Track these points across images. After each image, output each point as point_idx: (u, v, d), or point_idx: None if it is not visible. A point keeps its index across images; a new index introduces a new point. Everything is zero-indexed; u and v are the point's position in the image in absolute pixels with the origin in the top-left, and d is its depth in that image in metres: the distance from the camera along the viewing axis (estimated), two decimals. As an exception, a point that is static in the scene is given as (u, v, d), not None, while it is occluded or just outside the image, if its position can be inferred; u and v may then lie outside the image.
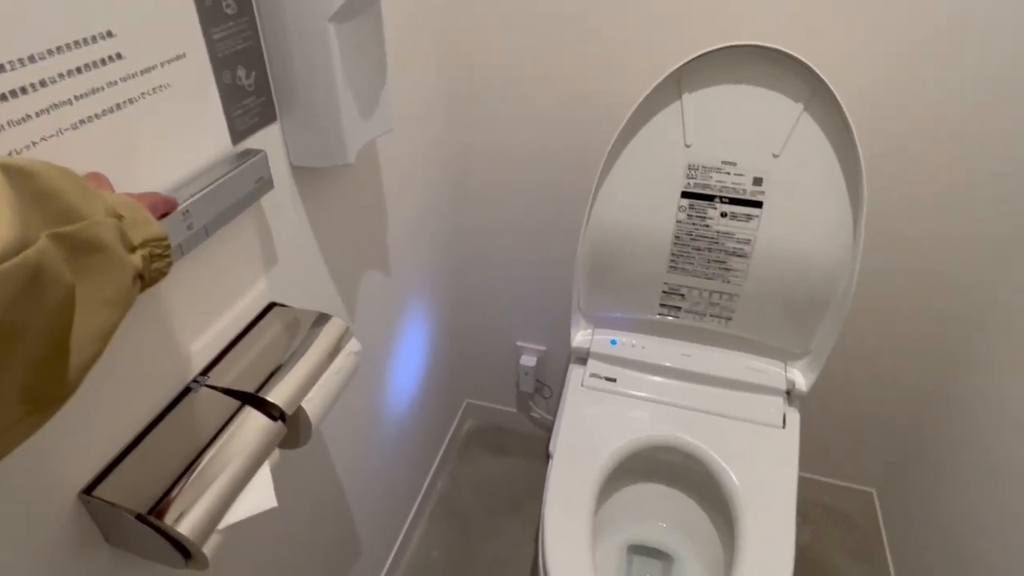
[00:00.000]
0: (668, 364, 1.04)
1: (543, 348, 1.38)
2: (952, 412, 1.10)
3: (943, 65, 0.84)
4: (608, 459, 0.94)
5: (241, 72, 0.55)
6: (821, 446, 1.31)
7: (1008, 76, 0.83)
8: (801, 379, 1.01)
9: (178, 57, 0.47)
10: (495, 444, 1.55)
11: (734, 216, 0.91)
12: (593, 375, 1.05)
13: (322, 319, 0.63)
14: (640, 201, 0.94)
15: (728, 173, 0.89)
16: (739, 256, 0.94)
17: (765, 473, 0.92)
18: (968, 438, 1.04)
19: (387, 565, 1.20)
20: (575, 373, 1.07)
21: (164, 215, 0.44)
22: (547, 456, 0.99)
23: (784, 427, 0.98)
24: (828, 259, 0.90)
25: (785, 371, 1.02)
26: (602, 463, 0.93)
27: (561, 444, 0.96)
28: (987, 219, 0.95)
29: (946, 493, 1.07)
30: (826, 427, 1.27)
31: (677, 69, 0.83)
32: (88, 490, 0.46)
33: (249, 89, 0.56)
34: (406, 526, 1.27)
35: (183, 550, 0.48)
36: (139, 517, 0.45)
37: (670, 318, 1.04)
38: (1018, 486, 0.88)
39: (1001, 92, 0.85)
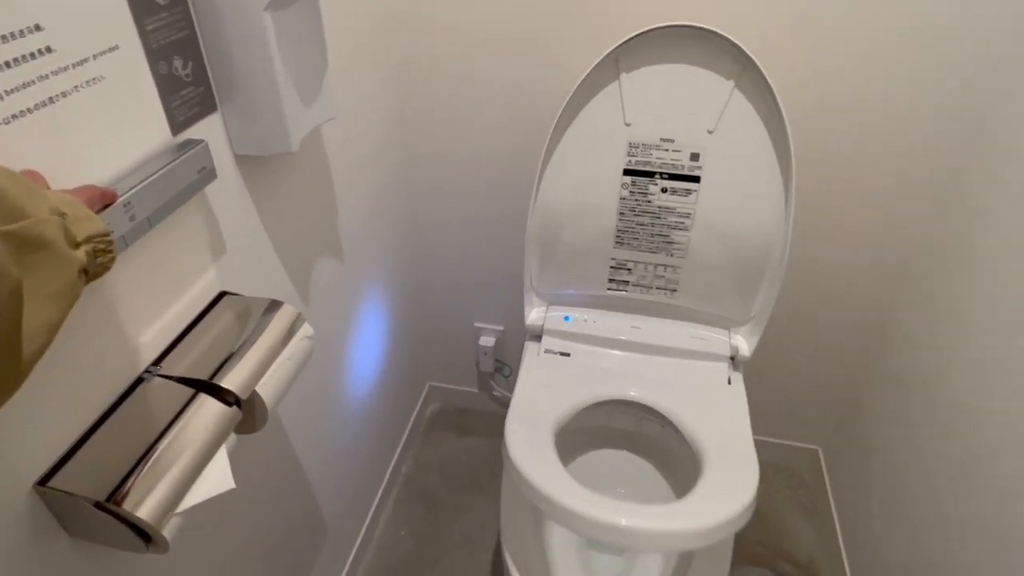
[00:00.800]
0: (619, 337, 1.08)
1: (501, 328, 1.41)
2: (882, 374, 1.17)
3: (862, 41, 0.89)
4: (561, 417, 0.96)
5: (177, 62, 0.55)
6: (769, 409, 1.37)
7: (923, 48, 0.89)
8: (744, 344, 1.06)
9: (111, 49, 0.47)
10: (458, 424, 1.58)
11: (674, 191, 0.95)
12: (548, 351, 1.09)
13: (274, 306, 0.64)
14: (584, 180, 0.97)
15: (667, 150, 0.92)
16: (680, 230, 0.98)
17: (719, 419, 0.98)
18: (899, 397, 1.11)
19: (355, 546, 1.22)
20: (531, 350, 1.10)
21: (103, 208, 0.44)
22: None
23: (730, 384, 1.03)
24: (763, 229, 0.95)
25: (729, 337, 1.07)
26: (556, 420, 0.95)
27: (514, 411, 0.98)
28: (909, 195, 1.01)
29: (883, 446, 1.15)
30: (772, 390, 1.34)
31: (614, 50, 0.86)
32: (43, 482, 0.47)
33: (187, 79, 0.56)
34: (373, 508, 1.29)
35: (144, 535, 0.49)
36: (97, 504, 0.46)
37: (619, 292, 1.08)
38: (946, 435, 0.95)
39: (913, 62, 0.90)
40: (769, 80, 0.83)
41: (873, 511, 1.15)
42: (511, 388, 1.50)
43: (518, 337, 1.41)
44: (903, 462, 1.06)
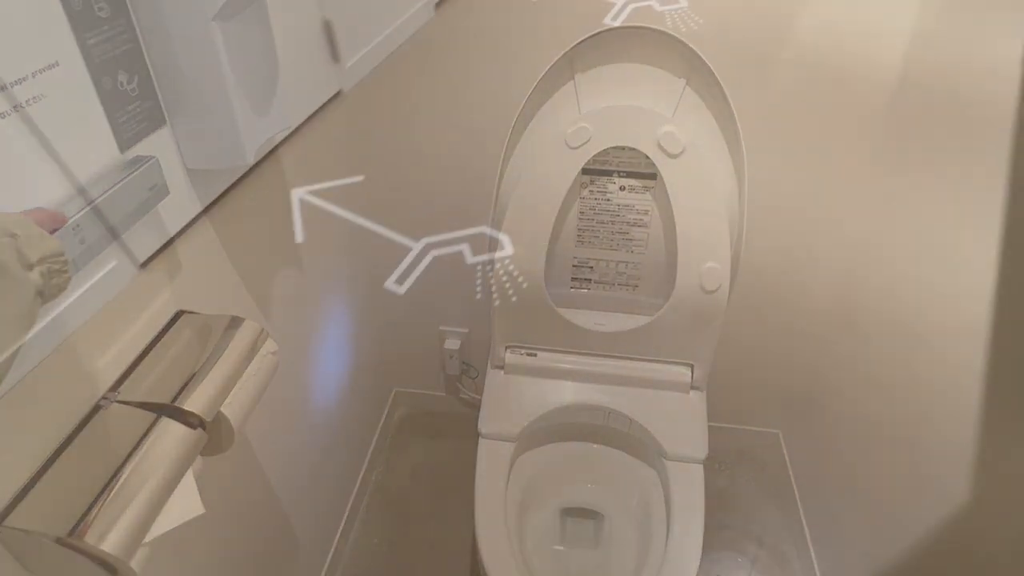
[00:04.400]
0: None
1: (466, 330, 1.41)
2: (836, 358, 1.22)
3: (809, 36, 0.92)
4: (531, 428, 0.98)
5: (122, 77, 0.53)
6: (730, 397, 1.41)
7: (856, 39, 0.92)
8: (705, 335, 1.08)
9: (50, 66, 0.45)
10: (427, 429, 1.57)
11: (632, 189, 0.97)
12: (514, 351, 1.09)
13: (235, 323, 0.63)
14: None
15: (623, 148, 0.94)
16: (639, 226, 0.99)
17: (677, 414, 1.01)
18: (852, 380, 1.16)
19: (329, 558, 1.20)
20: (497, 352, 1.10)
21: (52, 232, 0.43)
22: (479, 435, 1.02)
23: (692, 375, 1.06)
24: (719, 223, 0.97)
25: (690, 330, 1.09)
26: (525, 432, 0.97)
27: (485, 421, 0.99)
28: (863, 184, 1.05)
29: (839, 426, 1.20)
30: (732, 378, 1.37)
31: (569, 51, 0.87)
32: (-2, 521, 0.45)
33: (133, 94, 0.54)
34: (344, 518, 1.28)
35: (111, 568, 0.47)
36: (59, 540, 0.45)
37: (582, 290, 1.09)
38: (896, 414, 1.00)
39: (856, 47, 0.94)
40: (719, 77, 0.85)
41: (832, 488, 1.19)
42: (479, 390, 1.51)
43: (483, 339, 1.41)
44: (858, 441, 1.11)
